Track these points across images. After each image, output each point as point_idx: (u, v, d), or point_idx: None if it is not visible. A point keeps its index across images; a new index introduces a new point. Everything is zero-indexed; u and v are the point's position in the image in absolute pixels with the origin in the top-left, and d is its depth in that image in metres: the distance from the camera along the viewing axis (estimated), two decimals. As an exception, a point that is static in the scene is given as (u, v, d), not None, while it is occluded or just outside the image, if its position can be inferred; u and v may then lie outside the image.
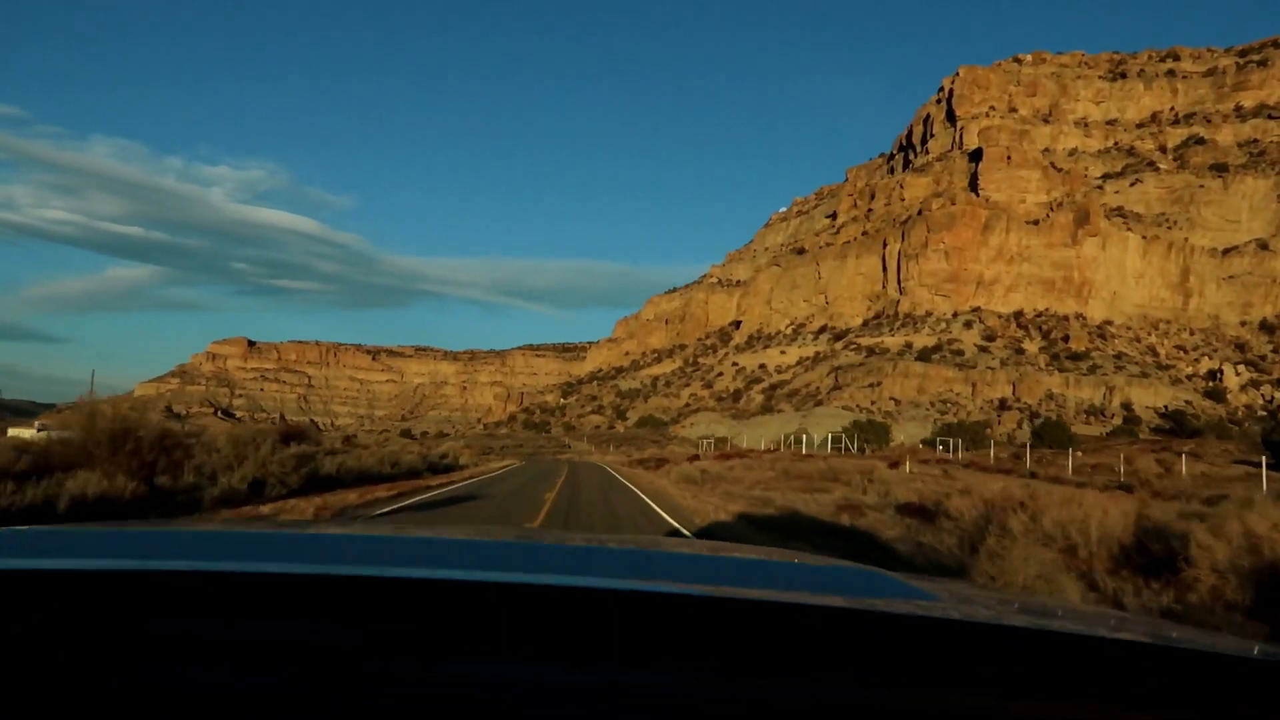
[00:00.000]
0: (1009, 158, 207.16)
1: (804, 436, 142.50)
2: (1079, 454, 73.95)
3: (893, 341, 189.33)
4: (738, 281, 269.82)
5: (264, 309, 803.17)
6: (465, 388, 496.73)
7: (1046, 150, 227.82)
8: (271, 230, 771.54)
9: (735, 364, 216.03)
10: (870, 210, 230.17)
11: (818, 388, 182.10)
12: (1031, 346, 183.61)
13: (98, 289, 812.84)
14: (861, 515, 25.10)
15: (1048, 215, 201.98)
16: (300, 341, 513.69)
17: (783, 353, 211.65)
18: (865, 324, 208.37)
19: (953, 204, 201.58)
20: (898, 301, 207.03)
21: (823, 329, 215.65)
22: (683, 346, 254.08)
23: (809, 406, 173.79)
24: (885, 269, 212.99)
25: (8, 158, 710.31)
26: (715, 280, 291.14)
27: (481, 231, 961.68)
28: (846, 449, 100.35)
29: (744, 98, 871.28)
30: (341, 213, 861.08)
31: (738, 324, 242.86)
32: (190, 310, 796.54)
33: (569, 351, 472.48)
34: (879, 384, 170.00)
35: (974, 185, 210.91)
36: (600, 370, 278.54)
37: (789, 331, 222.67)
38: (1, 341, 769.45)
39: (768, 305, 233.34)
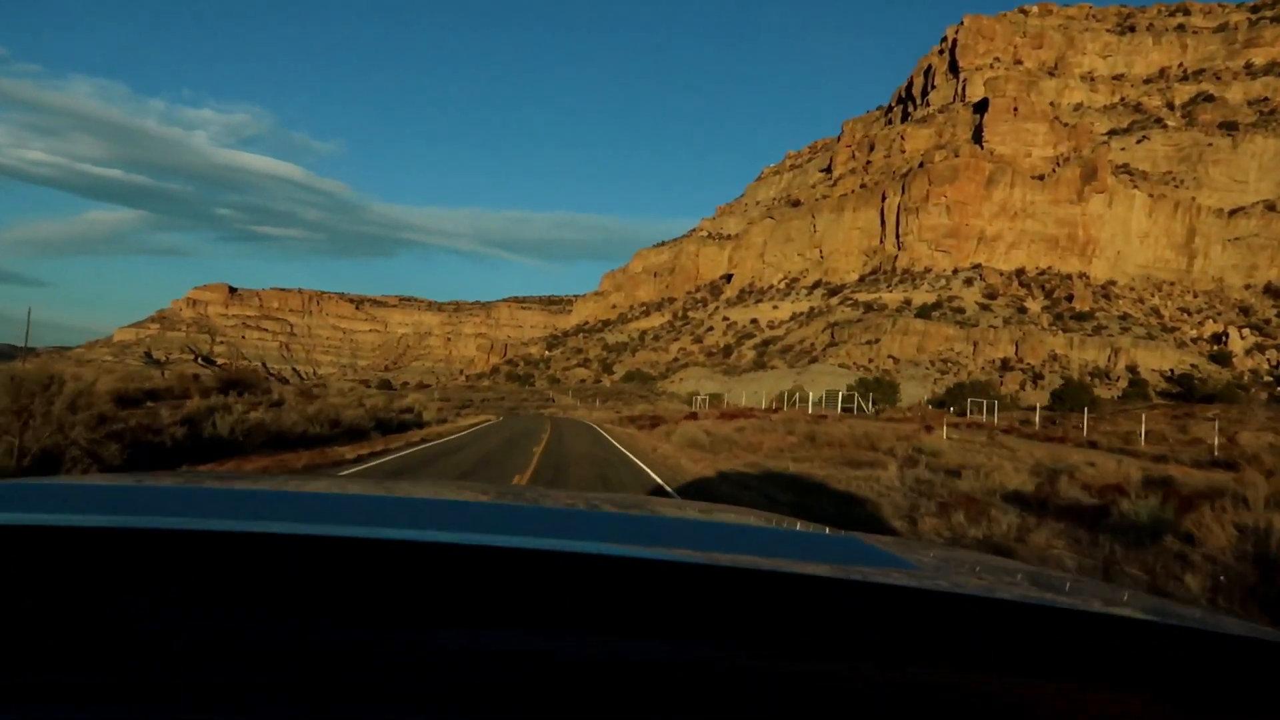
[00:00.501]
0: (1015, 109, 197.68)
1: (801, 394, 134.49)
2: (1097, 419, 66.02)
3: (891, 298, 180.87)
4: (729, 235, 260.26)
5: (248, 256, 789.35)
6: (449, 339, 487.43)
7: (1052, 104, 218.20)
8: (255, 176, 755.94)
9: (726, 318, 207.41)
10: (869, 163, 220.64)
11: (813, 344, 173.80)
12: (1034, 306, 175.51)
13: (78, 232, 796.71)
14: (988, 517, 16.60)
15: (1054, 170, 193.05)
16: (283, 289, 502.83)
17: (775, 308, 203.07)
18: (862, 279, 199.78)
19: (955, 156, 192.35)
20: (896, 257, 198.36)
21: (817, 284, 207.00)
22: (671, 300, 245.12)
23: (803, 363, 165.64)
24: (883, 223, 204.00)
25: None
26: (705, 234, 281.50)
27: (469, 182, 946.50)
28: (859, 409, 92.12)
29: (737, 51, 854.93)
30: (327, 159, 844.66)
31: (729, 277, 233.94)
32: (173, 256, 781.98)
33: (555, 304, 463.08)
34: (877, 341, 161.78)
35: (978, 138, 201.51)
36: (586, 323, 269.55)
37: (782, 286, 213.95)
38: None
39: (760, 259, 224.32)
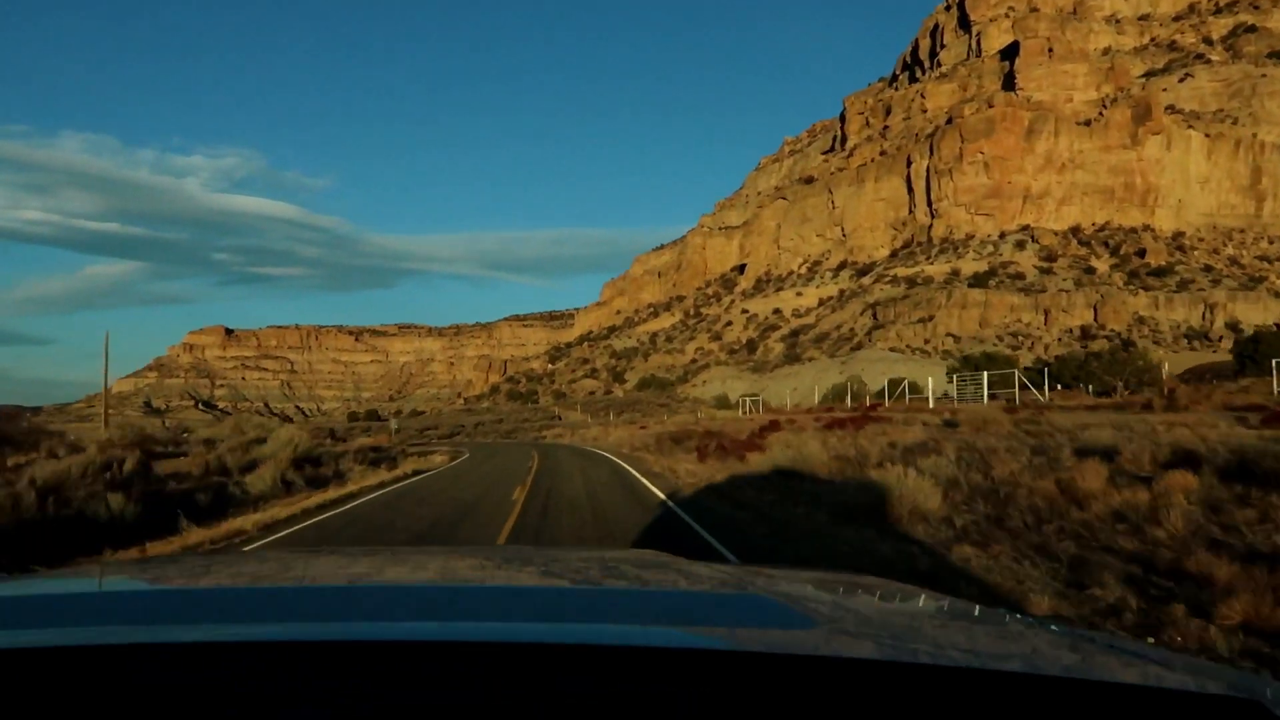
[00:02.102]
0: (1050, 50, 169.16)
1: (857, 386, 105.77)
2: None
3: (934, 270, 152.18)
4: (737, 225, 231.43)
5: (249, 297, 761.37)
6: (453, 363, 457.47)
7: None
8: (251, 218, 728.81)
9: (745, 311, 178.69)
10: (886, 128, 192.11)
11: (852, 329, 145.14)
12: (1101, 265, 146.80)
13: (79, 288, 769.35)
14: None
15: (1100, 114, 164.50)
16: (280, 326, 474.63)
17: (799, 294, 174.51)
18: (894, 254, 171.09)
19: (989, 107, 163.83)
20: (930, 226, 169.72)
21: (843, 265, 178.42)
22: (680, 298, 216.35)
23: (845, 351, 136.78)
24: (911, 190, 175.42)
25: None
26: (708, 229, 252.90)
27: (465, 206, 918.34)
28: (963, 395, 63.20)
29: (717, 50, 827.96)
30: (321, 195, 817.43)
31: (741, 268, 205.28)
32: (175, 304, 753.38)
33: (556, 319, 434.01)
34: (931, 318, 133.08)
35: (1010, 87, 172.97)
36: (590, 333, 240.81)
37: (803, 271, 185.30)
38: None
39: (775, 244, 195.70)
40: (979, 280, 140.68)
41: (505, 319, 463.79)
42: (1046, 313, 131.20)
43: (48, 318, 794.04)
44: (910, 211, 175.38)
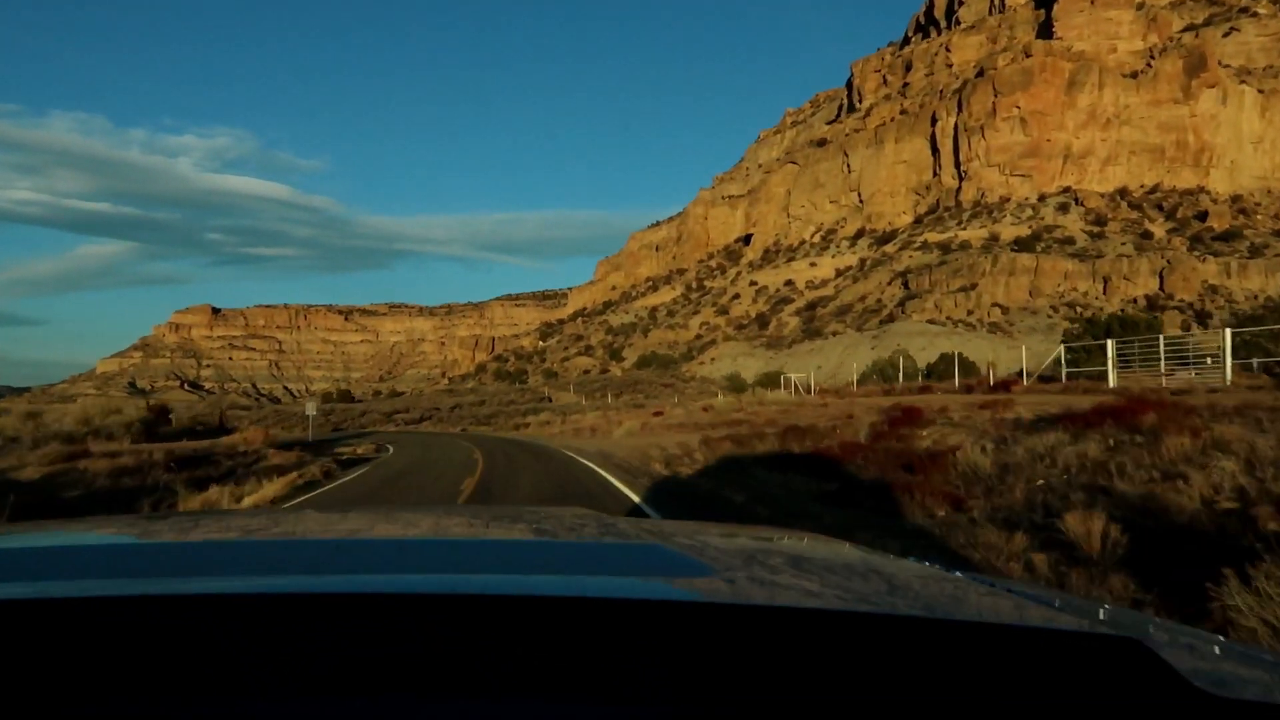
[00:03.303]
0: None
1: (903, 363, 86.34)
2: None
3: (969, 236, 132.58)
4: (743, 195, 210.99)
5: (241, 278, 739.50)
6: (443, 344, 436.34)
7: None
8: (243, 198, 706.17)
9: (754, 284, 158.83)
10: (906, 85, 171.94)
11: (879, 300, 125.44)
12: (1157, 229, 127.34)
13: (70, 268, 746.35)
14: None
15: (1148, 65, 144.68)
16: (268, 306, 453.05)
17: (813, 265, 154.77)
18: (919, 220, 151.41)
19: (1026, 57, 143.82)
20: (958, 189, 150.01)
21: (860, 232, 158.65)
22: (681, 271, 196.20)
23: (873, 324, 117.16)
24: (937, 151, 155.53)
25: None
26: (710, 200, 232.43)
27: (458, 188, 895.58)
28: (1081, 370, 43.84)
29: (706, 27, 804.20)
30: (313, 176, 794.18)
31: (748, 239, 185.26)
32: (166, 285, 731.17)
33: (550, 299, 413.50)
34: (973, 286, 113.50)
35: (1047, 37, 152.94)
36: (585, 309, 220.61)
37: (816, 240, 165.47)
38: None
39: (784, 213, 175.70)
40: (1024, 246, 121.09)
41: (497, 299, 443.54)
42: (1106, 280, 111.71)
43: (38, 299, 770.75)
44: (935, 174, 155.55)
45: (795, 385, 60.91)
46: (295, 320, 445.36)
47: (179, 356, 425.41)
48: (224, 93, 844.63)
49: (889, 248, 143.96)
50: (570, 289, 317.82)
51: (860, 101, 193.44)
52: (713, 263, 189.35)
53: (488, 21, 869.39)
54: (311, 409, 45.41)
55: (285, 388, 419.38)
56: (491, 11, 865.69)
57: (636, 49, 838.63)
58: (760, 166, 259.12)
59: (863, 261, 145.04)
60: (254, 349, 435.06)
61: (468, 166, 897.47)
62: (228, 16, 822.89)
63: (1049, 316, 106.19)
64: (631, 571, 1.50)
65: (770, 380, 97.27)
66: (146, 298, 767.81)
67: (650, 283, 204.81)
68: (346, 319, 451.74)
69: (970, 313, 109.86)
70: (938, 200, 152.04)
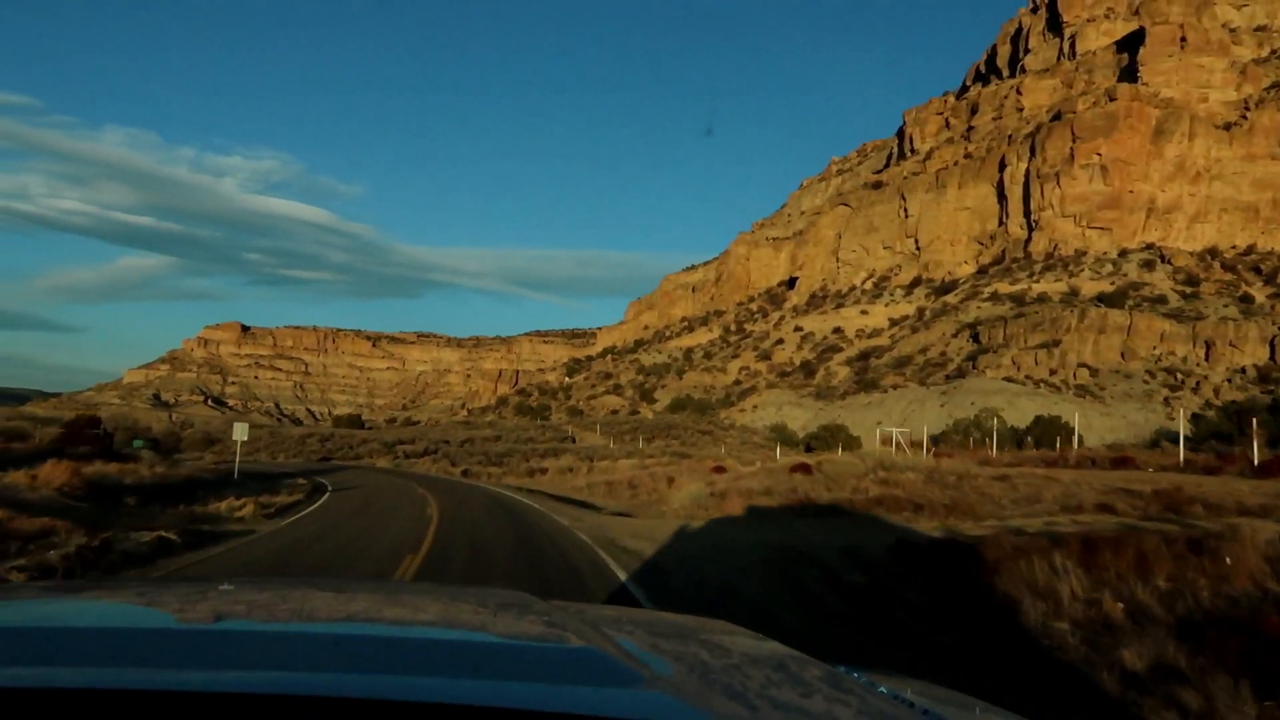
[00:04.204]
0: (1183, 40, 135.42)
1: (992, 423, 71.79)
2: None
3: (1044, 288, 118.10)
4: (788, 236, 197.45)
5: (276, 299, 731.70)
6: (469, 375, 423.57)
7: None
8: (283, 220, 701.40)
9: (798, 329, 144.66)
10: (971, 129, 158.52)
11: (943, 353, 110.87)
12: (1258, 294, 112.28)
13: (110, 279, 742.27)
14: None
15: (1243, 118, 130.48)
16: (297, 327, 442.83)
17: (864, 312, 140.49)
18: (983, 271, 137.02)
19: (1110, 100, 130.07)
20: (1027, 240, 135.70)
21: (916, 281, 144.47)
22: (719, 313, 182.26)
23: (938, 378, 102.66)
24: (1004, 198, 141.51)
25: (21, 148, 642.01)
26: (752, 240, 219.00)
27: (493, 221, 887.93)
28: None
29: (750, 75, 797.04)
30: (353, 202, 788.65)
31: (791, 282, 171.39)
32: (202, 301, 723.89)
33: (578, 337, 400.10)
34: (1056, 343, 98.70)
35: (1130, 83, 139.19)
36: (615, 347, 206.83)
37: (868, 286, 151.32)
38: (13, 331, 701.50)
39: (833, 257, 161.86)
40: (1109, 302, 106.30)
41: (526, 334, 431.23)
42: (1209, 345, 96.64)
43: (77, 307, 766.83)
44: (1001, 223, 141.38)
45: (897, 441, 46.58)
46: (323, 343, 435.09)
47: (205, 372, 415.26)
48: (272, 116, 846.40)
49: (950, 298, 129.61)
50: (600, 328, 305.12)
51: (912, 150, 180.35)
52: (753, 305, 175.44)
53: (534, 59, 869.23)
54: (241, 434, 31.67)
55: (308, 410, 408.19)
56: (538, 51, 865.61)
57: (676, 95, 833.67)
58: (803, 213, 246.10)
59: (921, 311, 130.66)
60: (280, 369, 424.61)
61: (504, 201, 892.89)
62: (282, 43, 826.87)
63: (1145, 382, 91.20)
64: (553, 676, 1.40)
65: (830, 434, 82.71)
66: (179, 312, 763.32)
67: (686, 323, 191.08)
68: (374, 345, 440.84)
69: (1053, 372, 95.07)
70: (1003, 250, 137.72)
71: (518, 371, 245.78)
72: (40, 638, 1.53)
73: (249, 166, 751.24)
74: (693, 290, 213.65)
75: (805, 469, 31.74)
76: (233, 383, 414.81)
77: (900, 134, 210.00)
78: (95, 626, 1.70)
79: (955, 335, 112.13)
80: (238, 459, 33.83)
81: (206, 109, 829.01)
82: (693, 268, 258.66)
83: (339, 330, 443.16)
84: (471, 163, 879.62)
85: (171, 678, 1.16)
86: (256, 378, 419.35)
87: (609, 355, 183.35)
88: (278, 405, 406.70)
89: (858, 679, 1.72)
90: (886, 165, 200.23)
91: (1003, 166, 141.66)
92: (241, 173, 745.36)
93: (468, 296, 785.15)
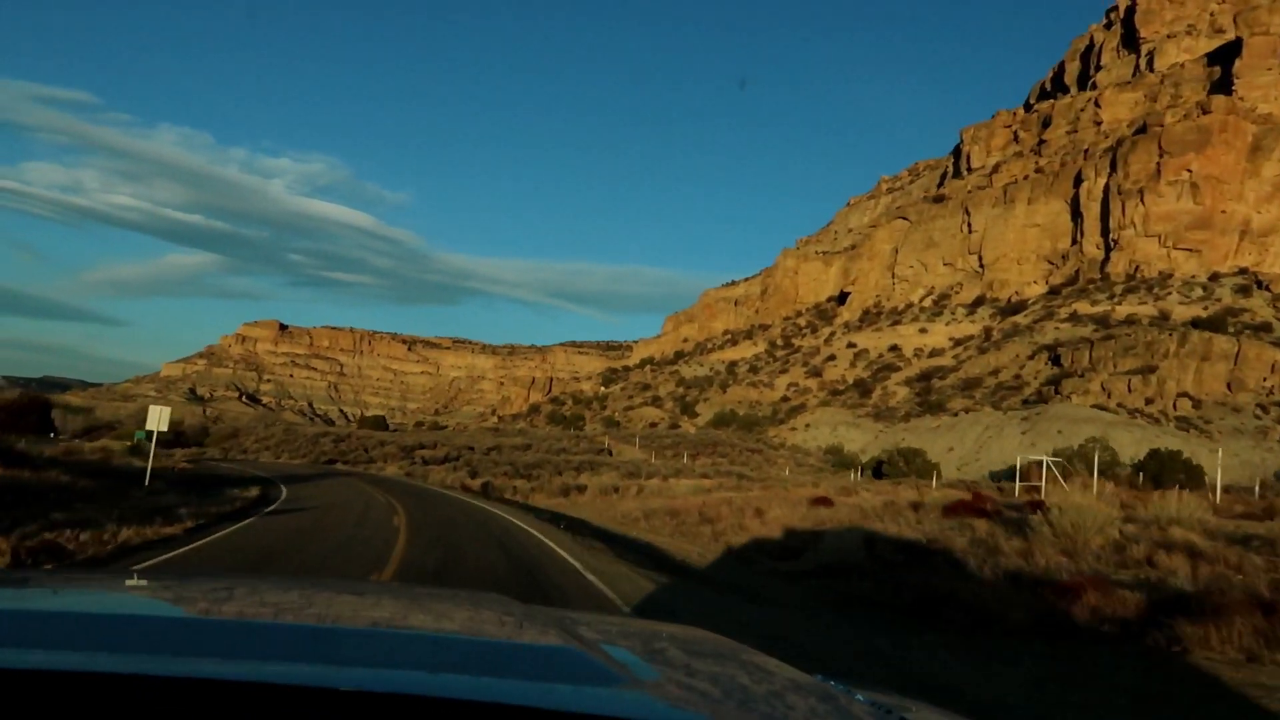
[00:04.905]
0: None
1: (1099, 453, 60.58)
2: None
3: (1129, 311, 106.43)
4: (840, 250, 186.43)
5: (312, 300, 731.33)
6: (502, 383, 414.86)
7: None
8: (328, 224, 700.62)
9: (851, 345, 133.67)
10: (1043, 142, 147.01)
11: (1017, 376, 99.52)
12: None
13: (156, 274, 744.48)
14: None
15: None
16: (334, 327, 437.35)
17: (923, 331, 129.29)
18: (1054, 291, 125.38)
19: (1203, 113, 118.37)
20: (1104, 260, 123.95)
21: (980, 300, 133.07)
22: (764, 326, 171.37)
23: (1014, 402, 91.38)
24: (1079, 215, 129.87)
25: (79, 143, 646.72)
26: (801, 253, 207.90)
27: (532, 233, 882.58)
28: None
29: (794, 98, 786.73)
30: (397, 208, 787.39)
31: (842, 297, 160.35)
32: (244, 299, 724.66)
33: (614, 349, 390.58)
34: (1152, 370, 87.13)
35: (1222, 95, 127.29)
36: (653, 358, 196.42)
37: (927, 304, 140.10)
38: (61, 321, 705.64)
39: (888, 272, 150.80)
40: (1206, 328, 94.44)
41: (561, 344, 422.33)
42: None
43: (123, 300, 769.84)
44: (1075, 241, 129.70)
45: (1048, 469, 35.79)
46: (359, 345, 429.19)
47: (241, 368, 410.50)
48: (323, 121, 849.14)
49: (1020, 318, 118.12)
50: (635, 341, 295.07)
51: (969, 168, 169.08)
52: (801, 320, 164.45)
53: (581, 83, 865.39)
54: (159, 421, 21.83)
55: (341, 410, 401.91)
56: (586, 74, 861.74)
57: (717, 116, 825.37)
58: (850, 230, 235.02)
59: (987, 331, 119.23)
60: (315, 369, 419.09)
61: (544, 213, 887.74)
62: (337, 52, 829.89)
63: (1257, 417, 79.40)
64: (533, 674, 1.39)
65: (905, 459, 71.85)
66: (221, 309, 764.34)
67: (729, 336, 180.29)
68: (410, 349, 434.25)
69: (1150, 401, 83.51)
70: (1077, 270, 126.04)
71: (551, 379, 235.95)
72: (23, 621, 1.51)
73: (297, 169, 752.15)
74: (735, 304, 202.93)
75: (975, 509, 21.16)
76: (268, 380, 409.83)
77: (957, 151, 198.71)
78: (62, 612, 1.68)
79: (1031, 357, 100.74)
80: (151, 459, 23.84)
81: (259, 111, 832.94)
82: (734, 283, 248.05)
83: (375, 333, 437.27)
84: (514, 175, 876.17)
85: (149, 664, 1.15)
86: (292, 376, 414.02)
87: (647, 366, 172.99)
88: (311, 405, 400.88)
89: (836, 687, 1.72)
90: (941, 183, 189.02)
91: (1078, 182, 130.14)
92: (290, 175, 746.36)
93: (504, 306, 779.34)
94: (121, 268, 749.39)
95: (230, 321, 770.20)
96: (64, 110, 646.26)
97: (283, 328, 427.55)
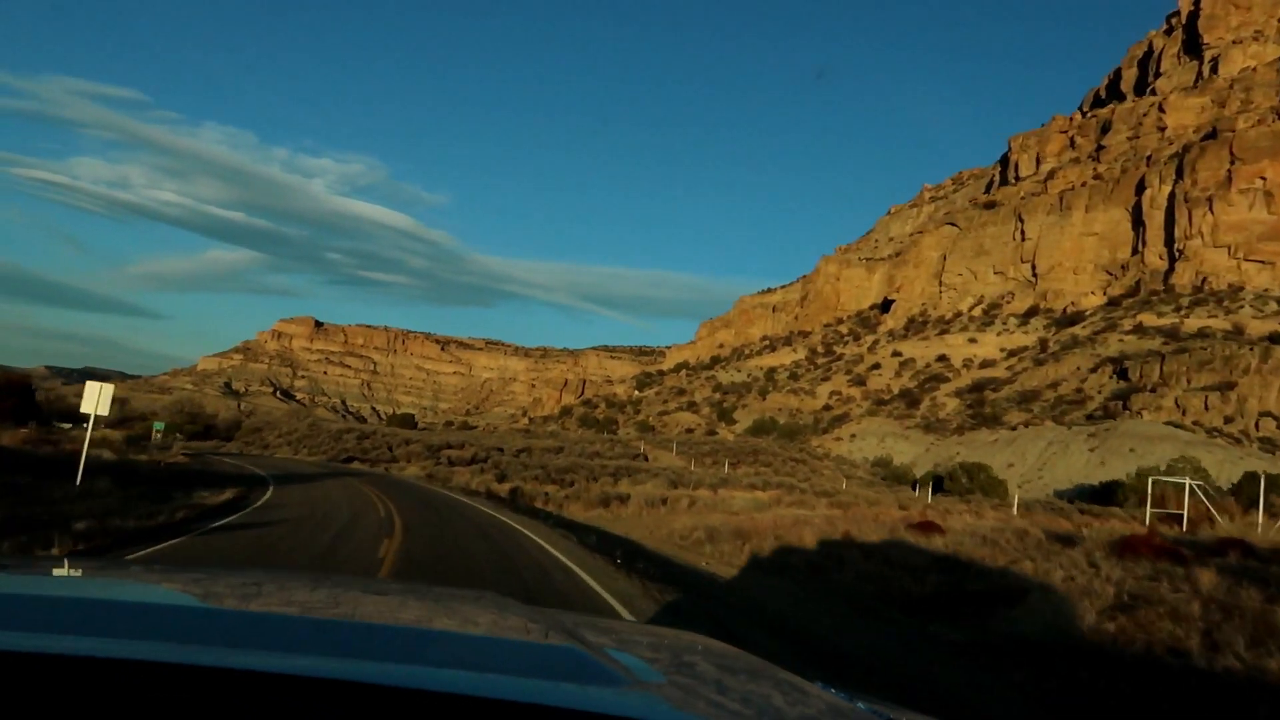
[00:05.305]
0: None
1: (1189, 478, 54.36)
2: None
3: (1199, 324, 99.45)
4: (884, 257, 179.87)
5: (348, 299, 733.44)
6: (534, 385, 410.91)
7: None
8: (366, 224, 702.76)
9: (896, 354, 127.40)
10: (1101, 148, 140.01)
11: (1079, 389, 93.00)
12: None
13: (197, 270, 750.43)
14: None
15: None
16: (369, 326, 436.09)
17: (972, 340, 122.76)
18: (1114, 303, 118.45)
19: (1279, 118, 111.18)
20: (1168, 271, 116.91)
21: (1033, 310, 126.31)
22: (804, 333, 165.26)
23: (1076, 417, 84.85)
24: (1141, 224, 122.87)
25: (127, 140, 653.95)
26: (843, 259, 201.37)
27: (566, 237, 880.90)
28: None
29: (836, 107, 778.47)
30: (434, 210, 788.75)
31: (885, 305, 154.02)
32: (282, 296, 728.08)
33: (646, 354, 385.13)
34: (1230, 386, 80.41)
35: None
36: (687, 363, 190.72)
37: (977, 313, 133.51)
38: (104, 314, 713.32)
39: (935, 279, 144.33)
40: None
41: (593, 348, 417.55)
42: None
43: (164, 294, 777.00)
44: (1136, 251, 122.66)
45: (1190, 493, 29.97)
46: (392, 343, 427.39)
47: (276, 364, 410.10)
48: (364, 123, 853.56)
49: (1079, 329, 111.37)
50: (668, 346, 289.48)
51: (1018, 177, 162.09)
52: (843, 328, 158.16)
53: (614, 84, 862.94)
54: (97, 402, 16.82)
55: (373, 408, 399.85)
56: (623, 82, 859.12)
57: (753, 125, 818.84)
58: (891, 239, 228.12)
59: (1043, 342, 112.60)
60: (349, 366, 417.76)
61: (578, 218, 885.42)
62: (380, 55, 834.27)
63: (1349, 441, 72.48)
64: (535, 672, 1.39)
65: (968, 474, 65.82)
66: (258, 305, 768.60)
67: (767, 342, 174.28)
68: (443, 349, 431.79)
69: (1229, 420, 76.79)
70: (1138, 281, 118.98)
71: (584, 381, 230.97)
72: (40, 608, 1.51)
73: (337, 169, 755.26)
74: (773, 310, 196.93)
75: (1163, 550, 15.47)
76: (302, 376, 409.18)
77: (1004, 160, 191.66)
78: (80, 599, 1.67)
79: (1093, 370, 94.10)
80: (85, 449, 18.82)
81: (302, 112, 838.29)
82: (770, 290, 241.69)
83: (409, 332, 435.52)
84: (551, 180, 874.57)
85: (156, 651, 1.14)
86: (325, 373, 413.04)
87: (682, 370, 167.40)
88: (344, 402, 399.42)
89: (835, 694, 1.74)
90: (988, 191, 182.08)
91: (1140, 189, 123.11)
92: (330, 175, 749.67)
93: (536, 309, 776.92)
94: (164, 262, 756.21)
95: (267, 318, 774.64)
96: (113, 107, 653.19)
97: (318, 325, 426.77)
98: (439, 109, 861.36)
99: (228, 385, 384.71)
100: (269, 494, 24.23)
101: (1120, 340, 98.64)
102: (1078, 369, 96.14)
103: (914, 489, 68.60)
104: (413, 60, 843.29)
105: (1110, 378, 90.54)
